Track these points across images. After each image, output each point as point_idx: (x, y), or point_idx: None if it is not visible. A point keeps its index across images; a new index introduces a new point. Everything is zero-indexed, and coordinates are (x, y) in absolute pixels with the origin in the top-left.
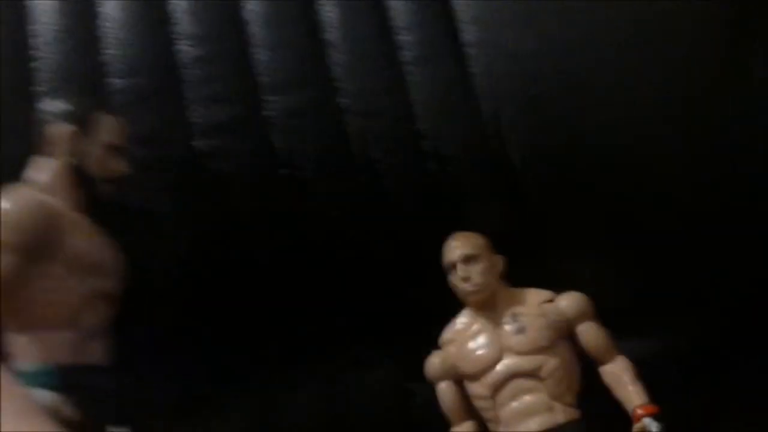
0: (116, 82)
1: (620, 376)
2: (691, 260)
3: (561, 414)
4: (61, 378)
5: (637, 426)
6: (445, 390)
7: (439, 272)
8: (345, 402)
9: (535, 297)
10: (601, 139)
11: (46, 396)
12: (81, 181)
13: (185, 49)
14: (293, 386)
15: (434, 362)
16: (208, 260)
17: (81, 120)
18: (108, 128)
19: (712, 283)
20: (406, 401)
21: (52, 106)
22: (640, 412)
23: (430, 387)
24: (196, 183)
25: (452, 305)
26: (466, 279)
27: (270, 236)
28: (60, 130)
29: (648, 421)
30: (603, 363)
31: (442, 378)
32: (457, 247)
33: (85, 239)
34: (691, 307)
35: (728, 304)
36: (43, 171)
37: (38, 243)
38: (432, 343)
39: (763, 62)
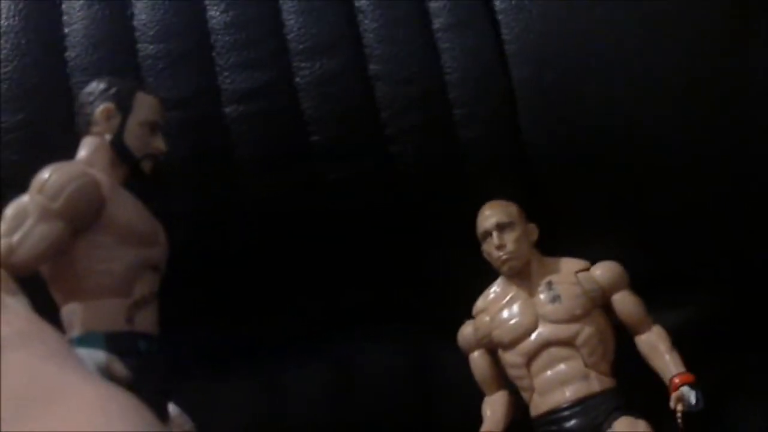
0: (147, 48)
1: (656, 346)
2: (700, 241)
3: (596, 382)
4: (110, 344)
5: (674, 395)
6: (477, 359)
7: (453, 247)
8: (353, 381)
9: (569, 266)
10: (609, 121)
11: (99, 355)
12: (121, 156)
13: (216, 14)
14: (300, 365)
15: (467, 331)
16: (223, 230)
17: (120, 99)
18: (146, 106)
19: (721, 262)
20: (417, 381)
21: (92, 86)
22: (677, 381)
23: (442, 368)
24: (226, 149)
25: (464, 282)
26: (500, 247)
27: (290, 205)
28: (99, 109)
29: (686, 390)
30: (638, 332)
31: (475, 347)
32: (491, 216)
33: (130, 211)
34: (700, 288)
35: (737, 283)
36: (84, 148)
37: (83, 210)
38: (443, 322)
39: (762, 42)
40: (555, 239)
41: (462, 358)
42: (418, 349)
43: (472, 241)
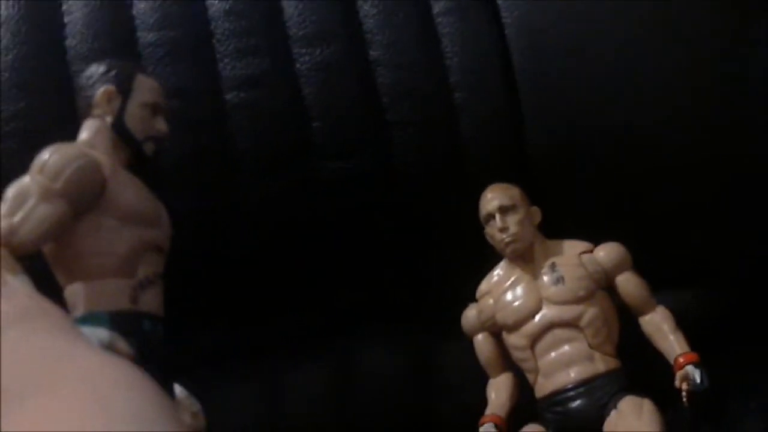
0: (147, 36)
1: (660, 326)
2: (700, 240)
3: (601, 363)
4: (115, 323)
5: (679, 374)
6: (482, 342)
7: (456, 242)
8: (353, 381)
9: (573, 248)
10: (609, 121)
11: (102, 333)
12: (122, 138)
13: (215, 1)
14: (300, 365)
15: (470, 314)
16: (221, 228)
17: (120, 81)
18: (147, 88)
19: (720, 260)
20: (417, 381)
21: (92, 70)
22: (681, 360)
23: (442, 368)
24: (226, 137)
25: (464, 281)
26: (503, 230)
27: (290, 203)
28: (100, 91)
29: (690, 369)
30: (642, 313)
31: (478, 330)
32: (494, 198)
33: (132, 192)
34: (700, 286)
35: (737, 281)
36: (85, 130)
37: (84, 190)
38: (443, 322)
39: (763, 44)
40: (555, 238)
41: (462, 357)
42: (418, 349)
43: (472, 240)
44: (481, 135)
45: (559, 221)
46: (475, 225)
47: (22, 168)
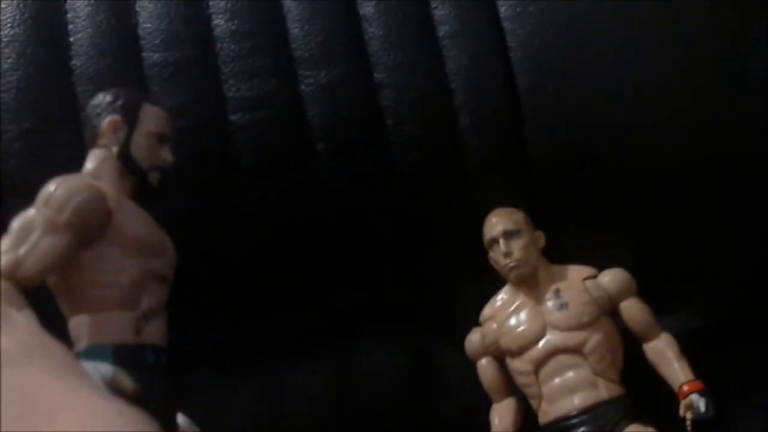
0: (153, 56)
1: (665, 353)
2: (700, 240)
3: (604, 390)
4: (118, 356)
5: (683, 403)
6: (485, 366)
7: (454, 249)
8: (353, 381)
9: (577, 273)
10: (610, 122)
11: (106, 369)
12: (128, 168)
13: (221, 23)
14: (300, 365)
15: (474, 339)
16: (224, 233)
17: (126, 111)
18: (153, 118)
19: (720, 260)
20: (417, 381)
21: (98, 99)
22: (686, 389)
23: (442, 368)
24: (231, 157)
25: (464, 282)
26: (507, 254)
27: (292, 208)
28: (106, 121)
29: (695, 398)
30: (647, 340)
31: (482, 355)
32: (498, 223)
33: (136, 222)
34: (700, 286)
35: (737, 281)
36: (91, 160)
37: (89, 223)
38: (443, 322)
39: (762, 44)
40: (555, 240)
41: (462, 357)
42: (418, 349)
43: (472, 241)
44: (481, 135)
45: (559, 221)
46: (475, 225)
47: (26, 187)
